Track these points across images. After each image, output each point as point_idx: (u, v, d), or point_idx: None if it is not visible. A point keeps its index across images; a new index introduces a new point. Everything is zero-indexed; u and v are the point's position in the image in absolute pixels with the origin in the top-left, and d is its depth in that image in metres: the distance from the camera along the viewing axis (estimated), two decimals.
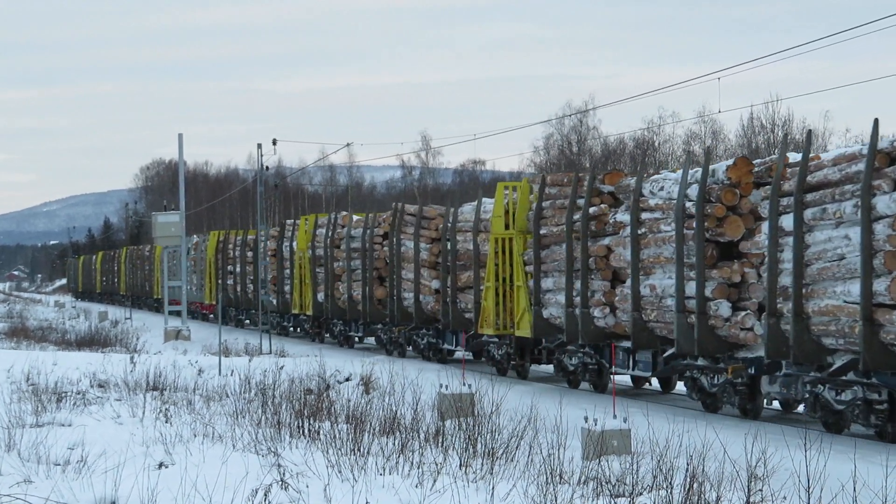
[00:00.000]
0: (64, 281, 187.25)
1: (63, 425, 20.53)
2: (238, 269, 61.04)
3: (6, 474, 15.64)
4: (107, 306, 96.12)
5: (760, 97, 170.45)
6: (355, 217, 44.89)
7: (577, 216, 27.87)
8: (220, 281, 64.89)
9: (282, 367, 29.24)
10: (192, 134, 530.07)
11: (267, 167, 60.65)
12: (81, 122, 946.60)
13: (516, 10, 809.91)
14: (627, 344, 26.56)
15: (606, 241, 27.27)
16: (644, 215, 25.73)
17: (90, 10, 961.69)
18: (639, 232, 25.79)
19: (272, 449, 17.08)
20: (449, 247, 36.21)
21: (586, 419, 17.78)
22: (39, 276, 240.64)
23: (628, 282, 26.13)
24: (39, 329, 57.88)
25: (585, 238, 27.61)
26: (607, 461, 15.87)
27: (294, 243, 50.51)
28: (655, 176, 26.16)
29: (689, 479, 13.54)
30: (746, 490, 13.12)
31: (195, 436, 18.87)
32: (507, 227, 31.23)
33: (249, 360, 32.92)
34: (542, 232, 29.56)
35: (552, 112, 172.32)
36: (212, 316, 69.93)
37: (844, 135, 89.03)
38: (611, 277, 27.27)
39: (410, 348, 40.43)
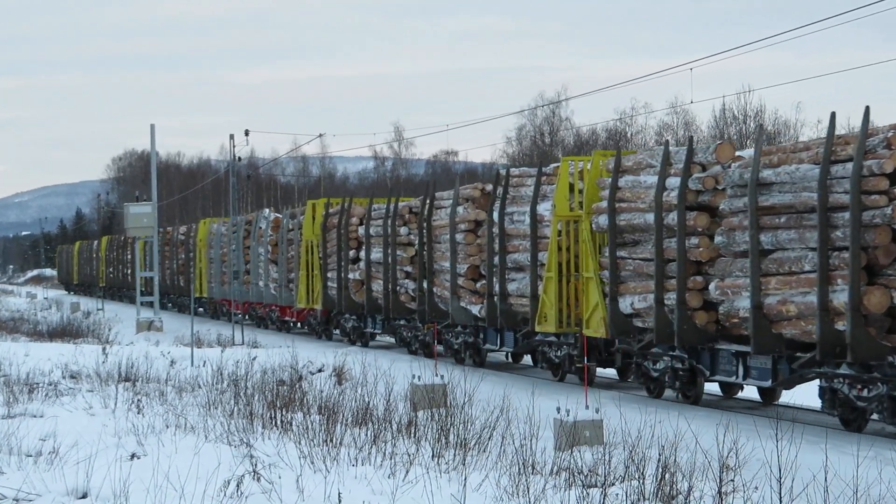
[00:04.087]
0: (36, 272, 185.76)
1: (35, 416, 20.46)
2: (375, 256, 39.13)
3: None
4: (116, 305, 75.41)
5: (732, 88, 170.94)
6: (742, 152, 23.07)
7: None
8: (329, 274, 42.81)
9: (254, 359, 29.17)
10: (165, 125, 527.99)
11: (239, 158, 60.69)
12: (53, 113, 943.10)
13: (486, 1, 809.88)
14: None
15: None
16: None
17: (61, 1, 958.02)
18: None
19: (244, 440, 17.06)
20: None
21: (558, 409, 17.80)
22: (11, 267, 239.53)
23: None
24: (11, 320, 57.65)
25: None
26: (580, 452, 15.91)
27: (542, 206, 28.89)
28: None
29: (661, 470, 13.58)
30: (718, 480, 13.15)
31: (167, 427, 18.84)
32: None
33: (222, 352, 32.80)
34: None
35: (525, 103, 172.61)
36: (299, 326, 49.50)
37: (816, 125, 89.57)
38: None
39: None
